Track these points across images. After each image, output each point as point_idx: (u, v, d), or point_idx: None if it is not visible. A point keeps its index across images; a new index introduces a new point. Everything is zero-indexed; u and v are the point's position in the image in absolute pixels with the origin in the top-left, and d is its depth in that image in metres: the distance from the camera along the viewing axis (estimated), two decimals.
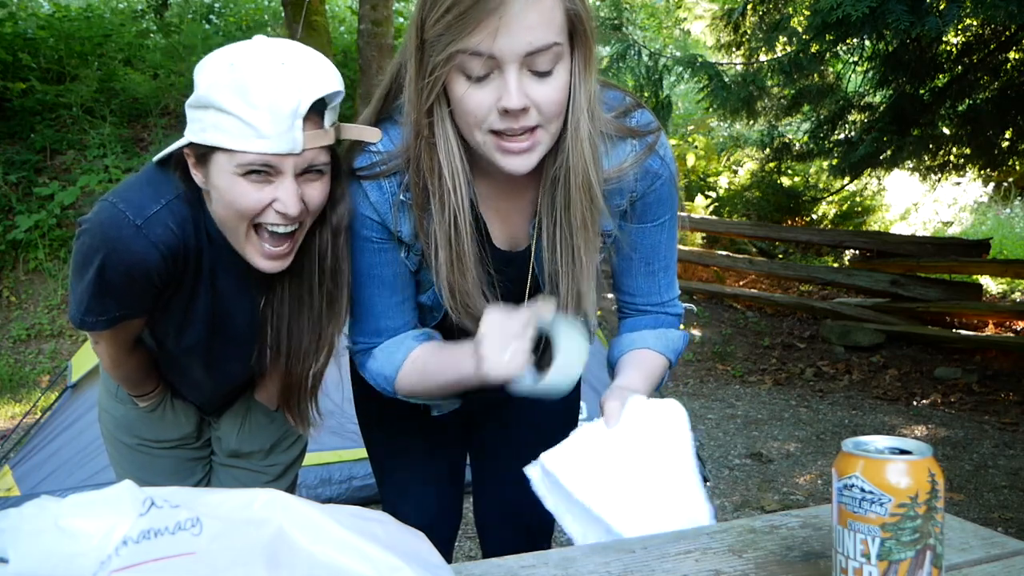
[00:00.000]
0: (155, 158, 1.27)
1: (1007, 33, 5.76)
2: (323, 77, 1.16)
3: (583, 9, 1.08)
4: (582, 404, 1.66)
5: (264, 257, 1.23)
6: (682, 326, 1.41)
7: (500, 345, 1.09)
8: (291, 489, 1.75)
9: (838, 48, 5.60)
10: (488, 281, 1.24)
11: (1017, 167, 8.42)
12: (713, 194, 9.29)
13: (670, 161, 1.27)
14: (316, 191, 1.21)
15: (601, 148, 1.18)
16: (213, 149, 1.16)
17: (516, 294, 1.29)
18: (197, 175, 1.22)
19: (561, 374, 1.12)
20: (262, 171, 1.15)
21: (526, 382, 1.13)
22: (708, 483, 3.77)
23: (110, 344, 1.42)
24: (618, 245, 1.31)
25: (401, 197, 1.21)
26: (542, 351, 1.15)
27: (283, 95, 1.11)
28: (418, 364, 1.28)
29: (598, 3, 6.36)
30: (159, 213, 1.22)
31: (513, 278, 1.29)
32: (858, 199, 9.83)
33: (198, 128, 1.17)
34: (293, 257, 1.26)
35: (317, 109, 1.16)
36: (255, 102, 1.10)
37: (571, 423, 1.55)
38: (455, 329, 1.28)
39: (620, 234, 1.29)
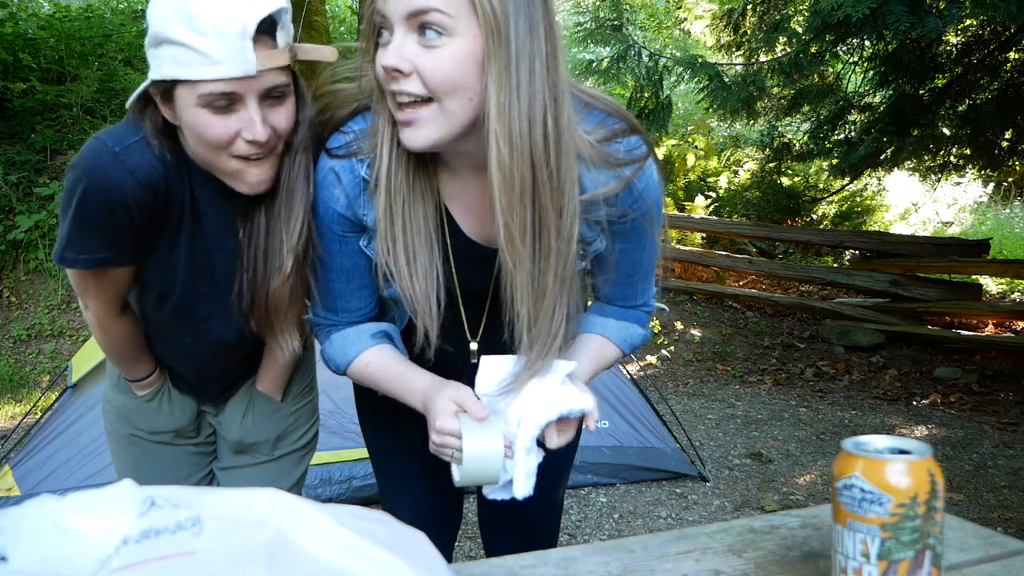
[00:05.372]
0: (127, 104, 1.29)
1: (1007, 33, 5.77)
2: None
3: None
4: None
5: (247, 182, 1.25)
6: (658, 327, 1.42)
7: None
8: (300, 484, 1.74)
9: (838, 48, 5.60)
10: (448, 272, 1.25)
11: (1017, 167, 8.42)
12: (713, 194, 9.28)
13: (649, 192, 1.22)
14: (282, 116, 1.22)
15: (579, 168, 1.14)
16: (174, 84, 1.18)
17: (480, 290, 1.31)
18: (168, 113, 1.24)
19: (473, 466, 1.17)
20: (224, 99, 1.17)
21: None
22: (708, 483, 3.77)
23: (96, 301, 1.42)
24: (600, 261, 1.30)
25: (366, 176, 1.21)
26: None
27: (228, 17, 1.13)
28: (371, 368, 1.32)
29: (598, 3, 6.35)
30: (138, 143, 1.25)
31: (481, 275, 1.30)
32: (858, 199, 9.83)
33: (156, 66, 1.19)
34: (273, 182, 1.27)
35: (267, 30, 1.17)
36: (203, 29, 1.13)
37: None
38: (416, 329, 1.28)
39: (603, 250, 1.27)
